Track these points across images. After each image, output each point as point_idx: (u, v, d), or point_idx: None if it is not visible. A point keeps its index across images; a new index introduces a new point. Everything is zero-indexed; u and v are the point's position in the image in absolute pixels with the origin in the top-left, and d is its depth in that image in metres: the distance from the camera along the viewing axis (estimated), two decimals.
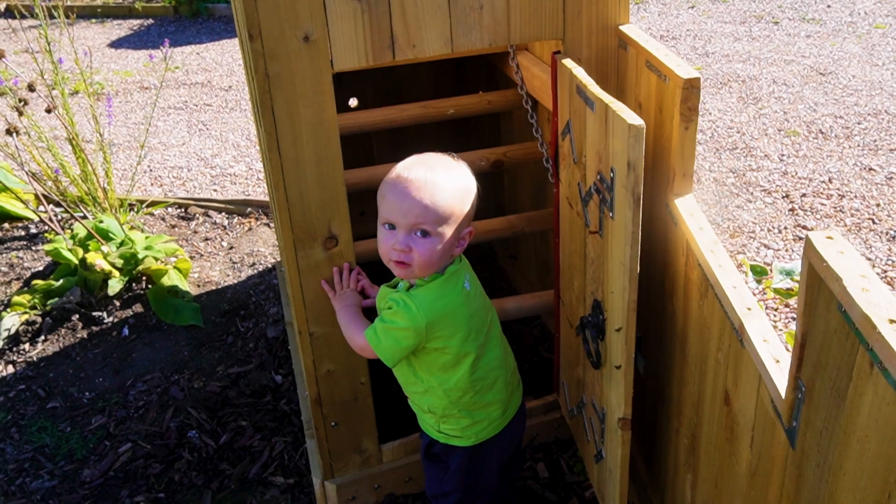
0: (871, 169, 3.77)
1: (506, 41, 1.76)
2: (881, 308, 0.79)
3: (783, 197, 3.60)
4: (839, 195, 3.58)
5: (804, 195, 3.60)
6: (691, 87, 1.48)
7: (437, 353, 1.60)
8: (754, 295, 2.49)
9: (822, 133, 4.18)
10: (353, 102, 2.97)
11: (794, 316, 2.61)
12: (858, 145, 4.02)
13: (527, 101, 2.28)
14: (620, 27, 1.79)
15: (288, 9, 1.56)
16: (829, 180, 3.71)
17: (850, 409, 0.88)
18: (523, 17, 1.75)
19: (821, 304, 0.92)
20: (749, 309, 1.22)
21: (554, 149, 1.91)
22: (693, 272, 1.48)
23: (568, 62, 1.72)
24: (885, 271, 3.03)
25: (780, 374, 1.11)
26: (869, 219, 3.38)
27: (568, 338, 2.01)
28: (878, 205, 3.47)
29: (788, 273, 2.06)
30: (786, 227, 3.36)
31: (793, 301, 2.48)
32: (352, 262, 1.82)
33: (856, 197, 3.55)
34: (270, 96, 1.61)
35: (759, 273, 2.30)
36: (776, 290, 2.09)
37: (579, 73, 1.64)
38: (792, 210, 3.49)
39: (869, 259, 3.11)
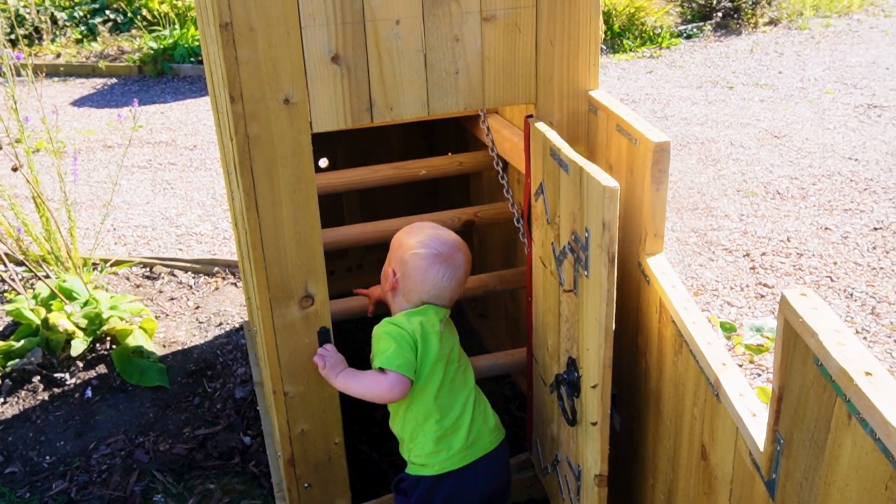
0: (827, 228, 3.89)
1: (480, 105, 1.81)
2: (857, 361, 0.83)
3: (744, 255, 3.69)
4: (798, 254, 3.68)
5: (764, 254, 3.69)
6: (662, 151, 1.54)
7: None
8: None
9: (779, 193, 4.31)
10: (323, 163, 3.00)
11: (761, 372, 2.66)
12: (814, 205, 4.16)
13: (497, 163, 2.33)
14: (590, 92, 1.86)
15: (269, 72, 1.59)
16: (788, 239, 3.81)
17: (829, 459, 0.90)
18: (497, 82, 1.80)
19: (797, 358, 0.95)
20: (724, 364, 1.25)
21: (526, 209, 1.95)
22: (667, 329, 1.51)
23: (541, 126, 1.77)
24: None
25: (757, 427, 1.13)
26: (827, 276, 3.48)
27: (541, 396, 2.02)
28: (834, 263, 3.58)
29: (758, 329, 2.11)
30: (747, 285, 3.44)
31: (761, 358, 2.53)
32: (327, 321, 1.82)
33: (813, 255, 3.65)
34: (250, 157, 1.63)
35: (728, 329, 2.35)
36: (747, 347, 2.13)
37: (553, 136, 1.69)
38: (753, 268, 3.58)
39: None
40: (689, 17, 8.43)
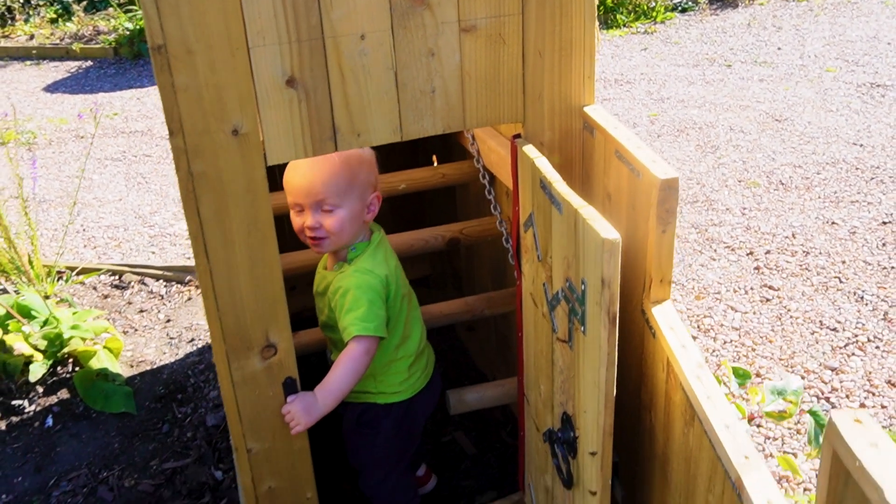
0: (833, 223, 3.70)
1: (461, 126, 1.60)
2: None
3: (747, 254, 3.50)
4: (804, 251, 3.49)
5: (768, 252, 3.50)
6: (669, 188, 1.34)
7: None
8: (734, 398, 2.35)
9: (782, 184, 4.11)
10: None
11: (785, 433, 2.46)
12: (819, 197, 3.96)
13: (484, 176, 2.12)
14: (585, 108, 1.65)
15: (213, 100, 1.38)
16: (793, 235, 3.62)
17: None
18: (479, 100, 1.59)
19: (849, 500, 0.76)
20: (747, 458, 1.06)
21: (515, 231, 1.75)
22: (675, 394, 1.32)
23: (530, 150, 1.57)
24: (856, 335, 2.93)
25: None
26: (835, 277, 3.29)
27: (534, 441, 1.83)
28: (843, 262, 3.39)
29: (780, 392, 1.93)
30: (752, 288, 3.25)
31: (785, 423, 2.36)
32: (292, 370, 1.63)
33: (820, 253, 3.46)
34: (195, 196, 1.42)
35: (743, 377, 2.17)
36: (768, 414, 1.96)
37: (543, 165, 1.49)
38: (757, 268, 3.39)
39: (839, 322, 3.01)
40: None
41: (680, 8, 7.77)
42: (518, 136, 1.67)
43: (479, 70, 1.57)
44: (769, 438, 2.44)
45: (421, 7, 1.48)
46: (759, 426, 2.47)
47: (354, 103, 1.49)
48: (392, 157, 2.81)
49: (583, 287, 1.30)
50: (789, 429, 2.47)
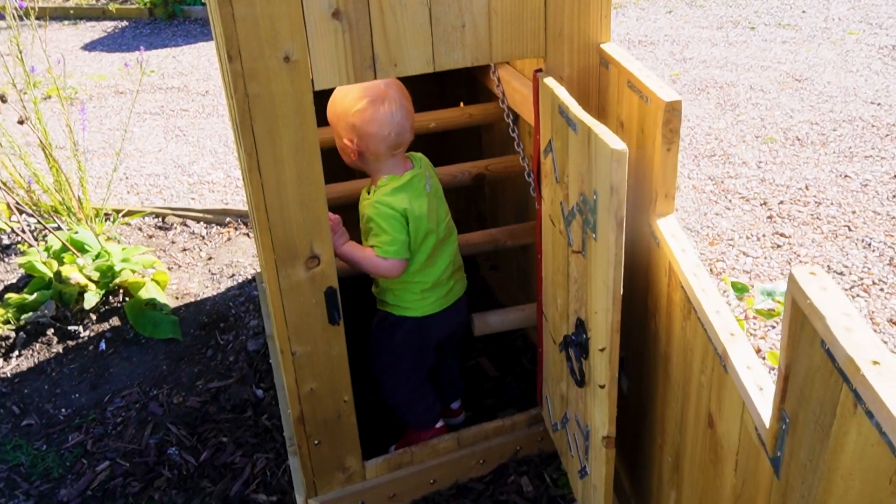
0: (846, 176, 3.81)
1: (488, 59, 1.76)
2: (865, 349, 0.80)
3: (761, 204, 3.63)
4: (816, 202, 3.61)
5: (781, 202, 3.63)
6: (672, 110, 1.49)
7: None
8: (736, 312, 2.50)
9: (798, 140, 4.22)
10: None
11: (775, 325, 2.64)
12: (834, 152, 4.07)
13: (508, 115, 2.28)
14: (602, 45, 1.80)
15: (268, 29, 1.55)
16: (806, 187, 3.74)
17: (833, 445, 0.88)
18: (505, 35, 1.74)
19: (804, 339, 0.92)
20: (732, 335, 1.23)
21: (536, 164, 1.91)
22: (676, 293, 1.49)
23: (550, 81, 1.72)
24: (861, 279, 3.06)
25: (763, 402, 1.11)
26: (845, 226, 3.42)
27: (551, 353, 2.01)
28: (853, 212, 3.51)
29: (770, 294, 2.07)
30: (764, 235, 3.39)
31: (774, 321, 2.51)
32: (333, 280, 1.81)
33: (832, 204, 3.58)
34: (250, 116, 1.59)
35: (740, 290, 2.32)
36: (758, 311, 2.11)
37: (561, 93, 1.64)
38: (770, 217, 3.52)
39: (846, 266, 3.14)
40: None
41: None
42: (539, 70, 1.82)
43: (504, 8, 1.72)
44: (755, 336, 2.58)
45: None
46: (752, 334, 2.61)
47: (392, 35, 1.65)
48: (422, 99, 2.97)
49: (594, 197, 1.46)
50: (775, 327, 2.61)
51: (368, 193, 2.04)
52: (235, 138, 2.21)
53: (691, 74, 5.29)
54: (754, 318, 2.45)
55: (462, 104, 2.87)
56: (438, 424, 2.29)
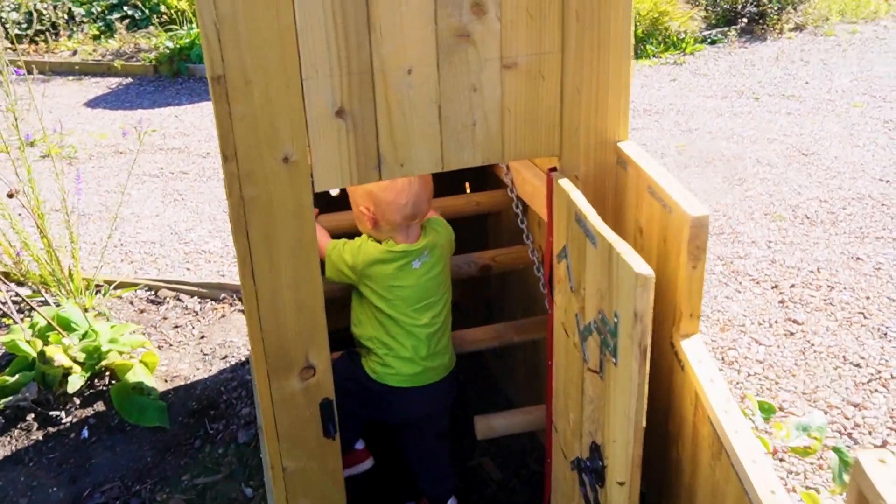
0: (858, 258, 3.71)
1: (500, 158, 1.67)
2: None
3: (772, 287, 3.52)
4: (828, 286, 3.50)
5: (793, 286, 3.52)
6: (700, 225, 1.38)
7: (368, 293, 2.01)
8: (758, 431, 2.37)
9: (808, 218, 4.13)
10: (334, 191, 2.85)
11: (807, 468, 2.48)
12: (844, 232, 3.98)
13: (517, 205, 2.18)
14: (619, 144, 1.71)
15: (267, 128, 1.45)
16: (818, 269, 3.64)
17: None
18: (518, 133, 1.65)
19: None
20: (773, 493, 1.10)
21: (548, 268, 1.80)
22: (703, 426, 1.36)
23: (565, 184, 1.62)
24: (879, 372, 2.94)
25: None
26: (859, 313, 3.30)
27: (561, 468, 1.87)
28: (867, 297, 3.40)
29: (805, 429, 1.95)
30: (776, 321, 3.27)
31: (811, 460, 2.40)
32: (329, 391, 1.68)
33: (845, 289, 3.47)
34: (245, 220, 1.49)
35: (767, 412, 2.20)
36: (793, 450, 2.00)
37: (578, 199, 1.54)
38: (782, 302, 3.41)
39: (862, 358, 3.02)
40: (713, 21, 8.22)
41: (709, 40, 7.83)
42: (554, 169, 1.72)
43: (518, 105, 1.63)
44: (792, 473, 2.46)
45: (465, 44, 1.55)
46: (781, 460, 2.49)
47: (399, 134, 1.55)
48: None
49: (615, 320, 1.35)
50: (811, 464, 2.49)
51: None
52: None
53: (697, 146, 5.24)
54: (785, 452, 2.32)
55: (468, 186, 2.77)
56: (358, 446, 2.31)
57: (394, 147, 1.56)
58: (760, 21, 8.14)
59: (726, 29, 8.00)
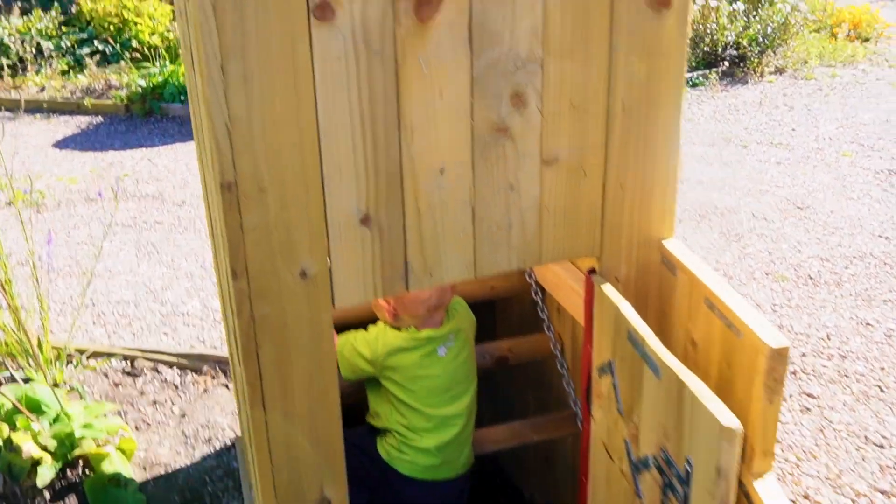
0: (868, 324, 3.60)
1: (537, 261, 1.50)
2: None
3: None
4: (840, 355, 3.38)
5: (804, 355, 3.39)
6: (779, 358, 1.22)
7: (389, 385, 1.90)
8: None
9: (811, 279, 4.02)
10: None
11: None
12: (850, 294, 3.86)
13: (536, 293, 2.01)
14: (664, 242, 1.55)
15: (283, 240, 1.27)
16: (827, 336, 3.51)
17: None
18: (557, 234, 1.49)
19: None
20: None
21: (586, 377, 1.63)
22: None
23: (610, 291, 1.46)
24: None
25: None
26: (876, 385, 3.17)
27: None
28: (882, 368, 3.28)
29: None
30: (790, 395, 3.13)
31: None
32: None
33: (858, 358, 3.35)
34: (256, 343, 1.30)
35: None
36: None
37: (630, 315, 1.37)
38: (794, 373, 3.27)
39: (884, 437, 2.88)
40: (693, 64, 8.19)
41: (691, 83, 7.80)
42: (593, 270, 1.56)
43: (558, 203, 1.47)
44: None
45: (503, 138, 1.39)
46: None
47: (429, 240, 1.38)
48: None
49: (688, 468, 1.17)
50: None
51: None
52: (214, 249, 1.89)
53: (689, 197, 5.13)
54: None
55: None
56: None
57: (422, 255, 1.39)
58: (741, 64, 8.13)
59: (707, 72, 7.97)
